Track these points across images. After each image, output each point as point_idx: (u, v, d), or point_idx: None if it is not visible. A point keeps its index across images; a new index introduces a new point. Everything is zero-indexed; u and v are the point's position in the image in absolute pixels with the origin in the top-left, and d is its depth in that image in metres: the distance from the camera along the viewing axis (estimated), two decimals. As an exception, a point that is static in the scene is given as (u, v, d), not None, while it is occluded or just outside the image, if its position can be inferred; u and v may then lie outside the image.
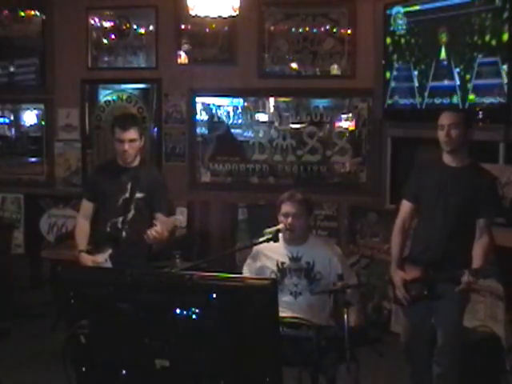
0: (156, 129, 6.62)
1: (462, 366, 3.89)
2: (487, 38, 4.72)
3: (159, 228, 3.88)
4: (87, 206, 4.31)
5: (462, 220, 3.78)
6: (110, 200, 4.15)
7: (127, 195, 4.12)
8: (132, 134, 4.11)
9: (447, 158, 3.86)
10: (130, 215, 4.11)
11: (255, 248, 3.87)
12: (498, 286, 4.54)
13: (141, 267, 4.05)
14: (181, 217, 3.99)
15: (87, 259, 4.04)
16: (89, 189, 4.38)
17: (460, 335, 3.93)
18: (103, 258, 4.02)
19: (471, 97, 4.87)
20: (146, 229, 3.99)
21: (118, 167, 4.23)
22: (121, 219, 4.10)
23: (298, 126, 6.32)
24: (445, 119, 3.80)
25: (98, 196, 4.25)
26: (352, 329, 3.14)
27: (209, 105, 6.53)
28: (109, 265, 4.04)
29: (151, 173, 4.37)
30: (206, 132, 6.56)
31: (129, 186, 4.12)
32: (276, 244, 3.64)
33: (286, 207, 3.76)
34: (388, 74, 5.74)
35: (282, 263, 3.77)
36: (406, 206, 4.01)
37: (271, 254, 3.80)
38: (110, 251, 4.04)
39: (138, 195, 4.13)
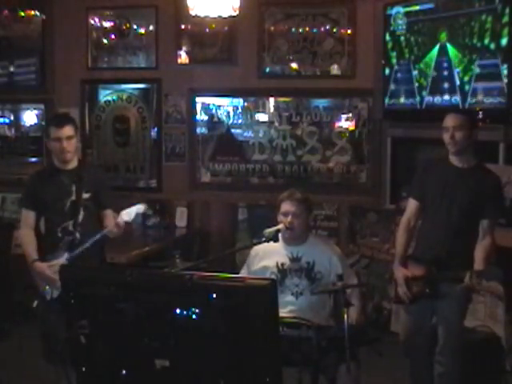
0: (156, 129, 6.62)
1: (463, 365, 3.90)
2: (487, 38, 4.72)
3: (120, 221, 3.83)
4: (29, 216, 4.09)
5: (466, 220, 3.80)
6: (56, 205, 4.02)
7: (73, 198, 4.01)
8: (68, 130, 3.98)
9: (453, 159, 3.87)
10: (81, 217, 4.01)
11: (254, 249, 3.86)
12: (497, 285, 4.54)
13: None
14: (143, 205, 3.92)
15: (43, 267, 3.86)
16: (29, 198, 4.15)
17: (461, 334, 3.94)
18: (61, 263, 3.80)
19: (471, 97, 4.87)
20: (98, 227, 3.97)
21: (56, 170, 4.08)
22: (71, 222, 3.99)
23: (297, 126, 6.33)
24: (449, 121, 3.81)
25: (40, 203, 4.07)
26: (352, 327, 3.13)
27: (209, 105, 6.53)
28: None
29: (93, 171, 4.30)
30: (206, 132, 6.56)
31: (73, 189, 4.01)
32: (275, 244, 3.63)
33: (286, 206, 3.75)
34: (388, 74, 5.74)
35: (282, 264, 3.76)
36: (412, 204, 4.03)
37: (271, 255, 3.79)
38: (66, 255, 3.92)
39: (85, 196, 4.03)
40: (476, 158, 3.88)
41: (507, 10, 4.55)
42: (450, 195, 3.82)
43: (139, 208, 3.91)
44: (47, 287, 3.82)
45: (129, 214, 3.87)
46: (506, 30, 4.58)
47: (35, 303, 3.98)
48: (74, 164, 4.09)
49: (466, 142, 3.78)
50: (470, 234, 3.78)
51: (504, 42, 4.59)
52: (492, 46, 4.68)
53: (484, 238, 3.76)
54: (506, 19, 4.57)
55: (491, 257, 3.82)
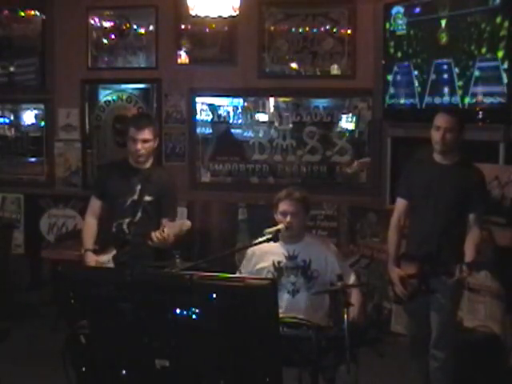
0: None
1: (458, 362, 3.92)
2: (487, 38, 4.72)
3: (166, 231, 3.79)
4: (95, 204, 4.22)
5: (453, 215, 3.86)
6: (118, 200, 4.09)
7: (135, 197, 4.06)
8: (146, 134, 4.05)
9: (438, 156, 3.93)
10: (137, 218, 4.06)
11: (250, 250, 3.84)
12: (498, 285, 4.55)
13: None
14: (188, 221, 3.89)
15: (91, 258, 3.98)
16: (98, 186, 4.30)
17: (453, 328, 3.98)
18: (107, 259, 3.98)
19: (471, 97, 4.87)
20: (152, 232, 3.94)
21: (129, 167, 4.15)
22: (127, 221, 4.05)
23: (297, 125, 6.32)
24: (441, 121, 3.84)
25: (106, 194, 4.17)
26: (352, 327, 3.13)
27: (209, 105, 6.53)
28: (111, 265, 3.99)
29: (162, 176, 4.26)
30: (206, 132, 6.56)
31: (138, 188, 4.06)
32: (272, 244, 3.62)
33: (284, 206, 3.74)
34: (388, 74, 5.74)
35: (279, 262, 3.76)
36: (400, 203, 4.10)
37: (267, 255, 3.78)
38: (113, 252, 4.00)
39: (147, 198, 4.07)
40: (459, 154, 3.92)
41: (506, 24, 4.53)
42: (436, 193, 3.87)
43: (184, 224, 3.87)
44: None
45: (173, 226, 3.83)
46: (502, 44, 4.57)
47: None
48: (146, 165, 4.15)
49: (454, 143, 3.84)
50: (458, 228, 3.85)
51: (500, 54, 4.58)
52: (493, 42, 4.67)
53: (472, 231, 3.82)
54: (503, 33, 4.56)
55: (480, 248, 3.87)
